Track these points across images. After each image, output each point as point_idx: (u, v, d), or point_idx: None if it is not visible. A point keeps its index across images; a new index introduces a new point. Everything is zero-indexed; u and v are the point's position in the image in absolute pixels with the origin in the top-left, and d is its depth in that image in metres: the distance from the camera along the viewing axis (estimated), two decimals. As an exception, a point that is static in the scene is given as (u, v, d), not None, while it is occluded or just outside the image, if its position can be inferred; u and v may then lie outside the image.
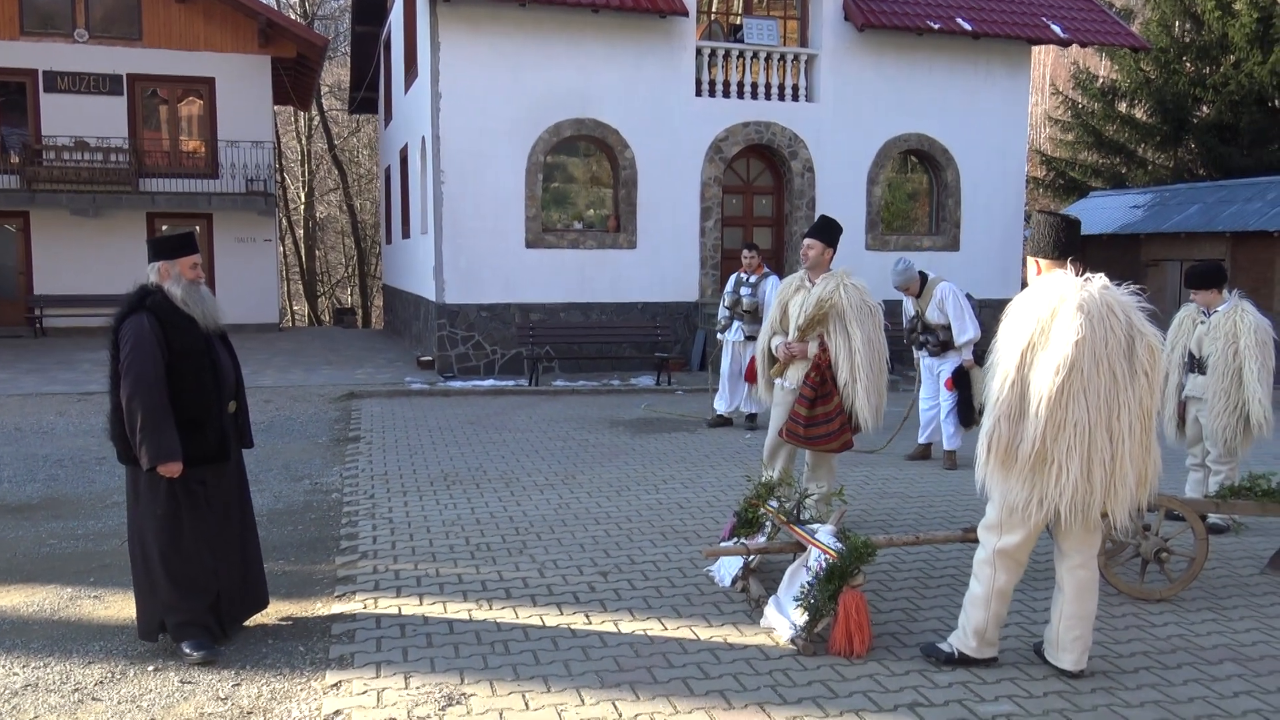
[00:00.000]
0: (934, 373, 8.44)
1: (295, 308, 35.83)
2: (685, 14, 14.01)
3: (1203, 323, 6.50)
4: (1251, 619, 4.79)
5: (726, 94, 14.89)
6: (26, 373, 13.73)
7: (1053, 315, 3.85)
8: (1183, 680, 4.08)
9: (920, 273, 8.49)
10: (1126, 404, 3.84)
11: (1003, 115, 16.06)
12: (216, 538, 4.44)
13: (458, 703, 3.79)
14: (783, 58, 15.11)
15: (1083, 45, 16.52)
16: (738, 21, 15.25)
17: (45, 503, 7.02)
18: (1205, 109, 23.07)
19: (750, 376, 9.61)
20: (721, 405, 10.25)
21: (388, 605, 4.86)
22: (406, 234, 18.38)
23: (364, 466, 8.06)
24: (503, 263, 14.06)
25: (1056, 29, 15.73)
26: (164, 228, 20.78)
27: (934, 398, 8.46)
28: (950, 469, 8.21)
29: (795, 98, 15.24)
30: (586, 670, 4.09)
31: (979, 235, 16.15)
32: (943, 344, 8.25)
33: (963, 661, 4.13)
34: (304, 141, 33.77)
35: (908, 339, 8.61)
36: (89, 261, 19.88)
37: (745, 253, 10.05)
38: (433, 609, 4.81)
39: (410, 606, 4.85)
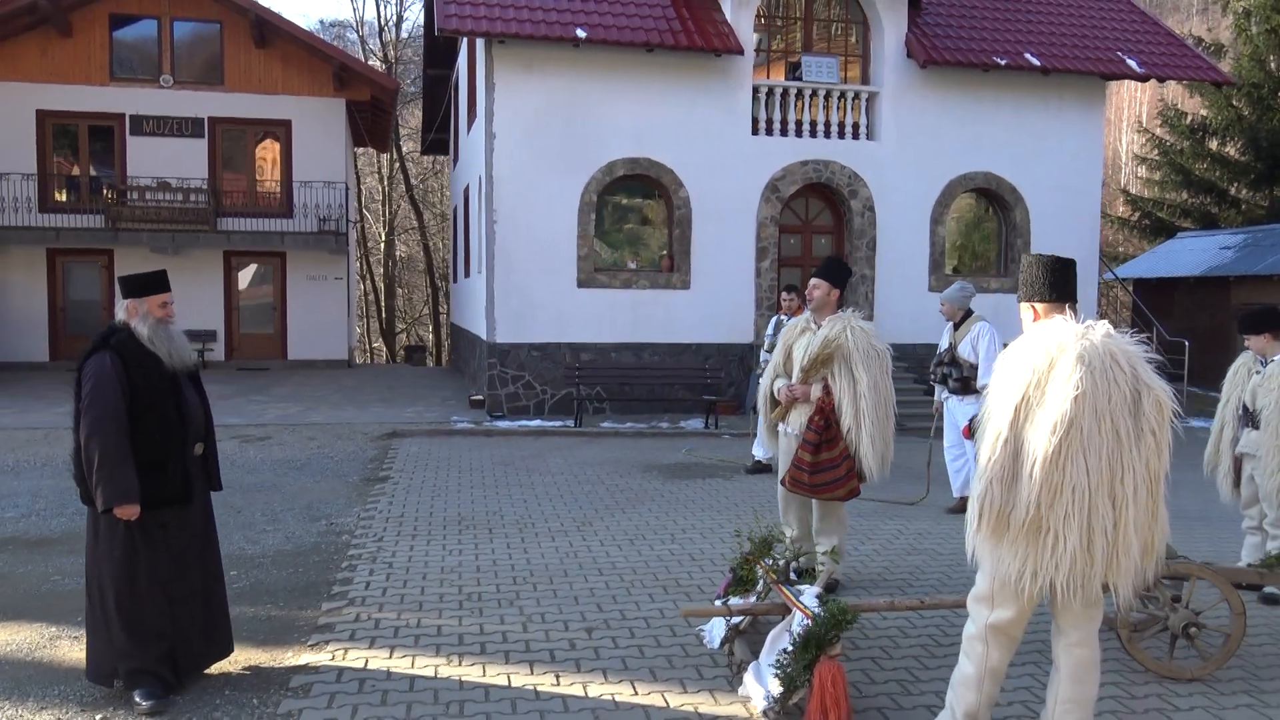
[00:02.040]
0: (954, 419, 8.02)
1: (375, 345, 36.47)
2: (741, 53, 13.86)
3: (1258, 372, 5.99)
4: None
5: (784, 132, 14.65)
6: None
7: (1050, 367, 3.49)
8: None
9: (968, 309, 8.13)
10: (1131, 466, 3.45)
11: (1075, 153, 15.47)
12: (175, 582, 4.32)
13: (388, 770, 3.57)
14: (842, 95, 14.82)
15: (1161, 80, 15.86)
16: (796, 60, 15.03)
17: (64, 538, 7.06)
18: (1304, 146, 21.99)
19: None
20: (760, 451, 9.91)
21: (356, 657, 4.68)
22: (468, 273, 18.51)
23: (383, 508, 7.96)
24: (554, 302, 13.99)
25: (1133, 64, 15.13)
26: (242, 267, 21.40)
27: (958, 444, 8.02)
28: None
29: (855, 136, 14.92)
30: (537, 738, 3.84)
31: (1050, 277, 15.49)
32: (964, 381, 7.86)
33: (951, 747, 3.76)
34: (386, 183, 34.53)
35: (933, 371, 8.21)
36: (167, 298, 20.46)
37: (785, 295, 9.77)
38: (400, 663, 4.61)
39: (379, 660, 4.65)
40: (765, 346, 9.82)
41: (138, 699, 4.13)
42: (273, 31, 20.39)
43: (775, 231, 14.70)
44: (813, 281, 5.87)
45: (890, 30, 14.72)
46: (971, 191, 15.53)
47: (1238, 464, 6.09)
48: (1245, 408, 6.02)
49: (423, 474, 9.44)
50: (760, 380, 6.04)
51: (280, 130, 21.30)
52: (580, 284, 14.09)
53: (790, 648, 4.04)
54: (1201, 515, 8.29)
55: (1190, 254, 21.01)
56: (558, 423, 13.16)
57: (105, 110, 20.28)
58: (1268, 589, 5.72)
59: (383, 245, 34.98)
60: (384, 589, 5.77)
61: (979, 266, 15.90)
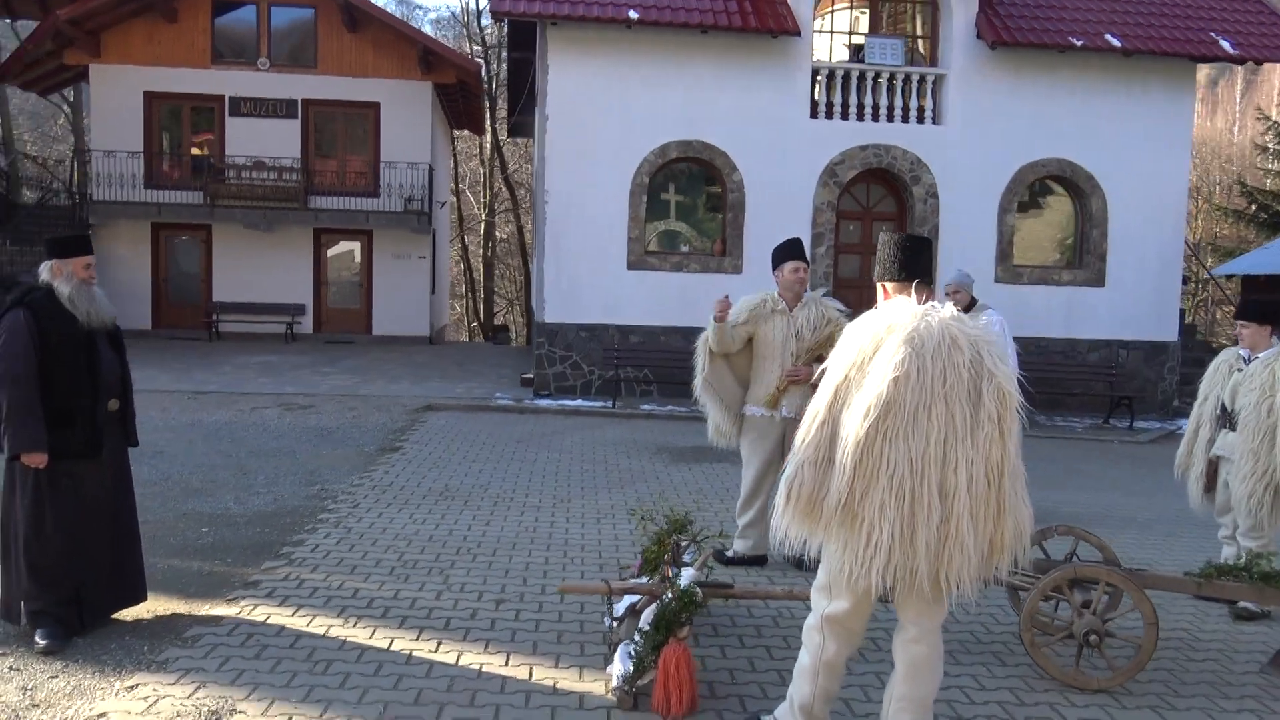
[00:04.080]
0: (966, 414, 7.66)
1: (473, 325, 37.25)
2: (797, 34, 13.58)
3: (1240, 369, 5.58)
4: (1194, 724, 4.00)
5: (845, 116, 14.30)
6: (165, 370, 14.83)
7: (875, 348, 3.34)
8: (1037, 787, 3.44)
9: (973, 297, 7.78)
10: (966, 456, 3.27)
11: (1160, 139, 14.62)
12: (82, 530, 4.52)
13: (215, 718, 3.67)
14: (907, 78, 14.37)
15: (1258, 63, 14.84)
16: (860, 41, 14.64)
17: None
18: None
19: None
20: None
21: (261, 614, 4.82)
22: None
23: (378, 477, 8.15)
24: (604, 284, 14.02)
25: (1226, 44, 14.20)
26: (331, 244, 22.15)
27: (967, 442, 7.68)
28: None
29: (920, 120, 14.45)
30: (380, 699, 3.89)
31: (1128, 271, 14.74)
32: None
33: (787, 738, 3.64)
34: (486, 165, 35.16)
35: None
36: (260, 272, 21.36)
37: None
38: (298, 621, 4.73)
39: (280, 617, 4.79)
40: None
41: (37, 638, 4.36)
42: (363, 16, 20.95)
43: (832, 217, 14.38)
44: (794, 264, 5.88)
45: (960, 10, 14.17)
46: (1044, 179, 14.85)
47: (1212, 468, 5.71)
48: (1224, 407, 5.62)
49: (435, 447, 9.63)
50: (699, 361, 5.96)
51: (370, 112, 21.91)
52: (630, 266, 14.09)
53: (646, 629, 3.99)
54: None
55: (1301, 251, 19.64)
56: (599, 403, 13.22)
57: (206, 92, 21.23)
58: (1241, 604, 5.34)
59: (482, 227, 35.64)
60: (329, 552, 5.92)
61: (1052, 258, 15.21)
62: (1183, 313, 16.10)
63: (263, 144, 21.20)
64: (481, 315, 35.01)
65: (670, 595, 3.95)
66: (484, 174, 35.59)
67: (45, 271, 4.67)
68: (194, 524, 6.53)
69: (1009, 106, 14.36)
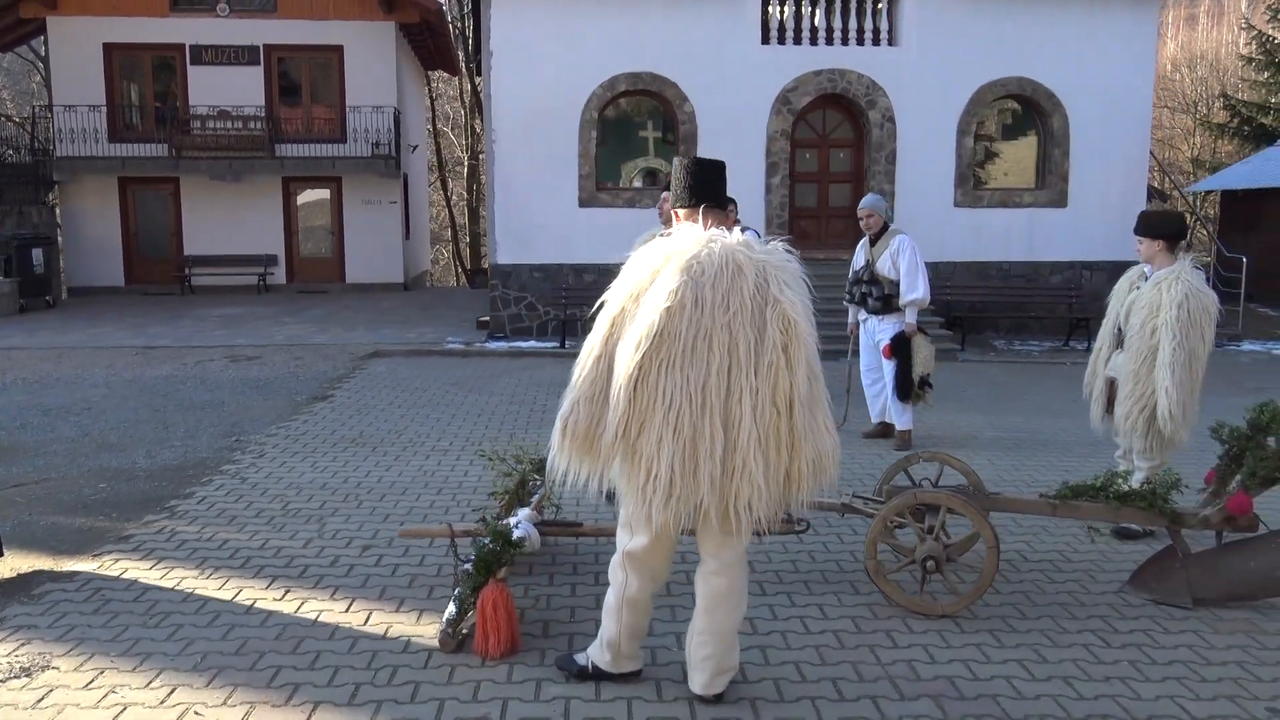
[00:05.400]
0: (874, 339, 7.56)
1: (460, 270, 37.09)
2: (743, -44, 13.20)
3: (1139, 288, 5.44)
4: (1027, 649, 3.94)
5: (797, 41, 13.99)
6: (122, 326, 14.80)
7: (653, 277, 3.23)
8: (834, 716, 3.39)
9: (885, 221, 7.64)
10: (750, 385, 3.18)
11: (1122, 54, 14.25)
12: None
13: (25, 674, 3.66)
14: (860, -1, 14.00)
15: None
16: (811, -38, 14.24)
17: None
18: None
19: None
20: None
21: (119, 568, 4.81)
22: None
23: (296, 427, 8.12)
24: (556, 223, 13.86)
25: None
26: (300, 192, 21.97)
27: (876, 368, 7.59)
28: (902, 449, 7.35)
29: (876, 42, 14.11)
30: (203, 650, 3.87)
31: (1092, 190, 14.47)
32: (885, 300, 7.39)
33: (596, 676, 3.61)
34: (467, 108, 34.67)
35: (849, 291, 7.74)
36: (230, 224, 21.23)
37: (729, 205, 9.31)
38: (152, 574, 4.71)
39: (138, 570, 4.77)
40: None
41: (-117, 600, 4.36)
42: (321, -44, 20.53)
43: (786, 146, 14.13)
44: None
45: (912, -74, 13.75)
46: (1004, 98, 14.51)
47: (1111, 387, 5.58)
48: (1120, 327, 5.49)
49: (367, 394, 9.59)
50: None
51: (333, 56, 21.54)
52: (582, 204, 13.91)
53: (467, 570, 3.95)
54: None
55: (1283, 164, 19.23)
56: (550, 344, 13.14)
57: (166, 41, 20.90)
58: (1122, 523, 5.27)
59: (465, 170, 35.26)
60: (214, 504, 5.90)
61: (1013, 180, 14.93)
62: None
63: (226, 93, 20.91)
64: (466, 259, 34.82)
65: (485, 539, 3.90)
66: (464, 115, 35.12)
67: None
68: (94, 480, 6.52)
69: (967, 25, 13.99)
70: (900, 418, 7.46)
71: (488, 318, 14.36)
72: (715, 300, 3.17)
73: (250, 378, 10.57)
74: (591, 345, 3.28)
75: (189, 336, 13.69)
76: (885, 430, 7.75)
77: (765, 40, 13.89)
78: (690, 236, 3.28)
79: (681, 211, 3.48)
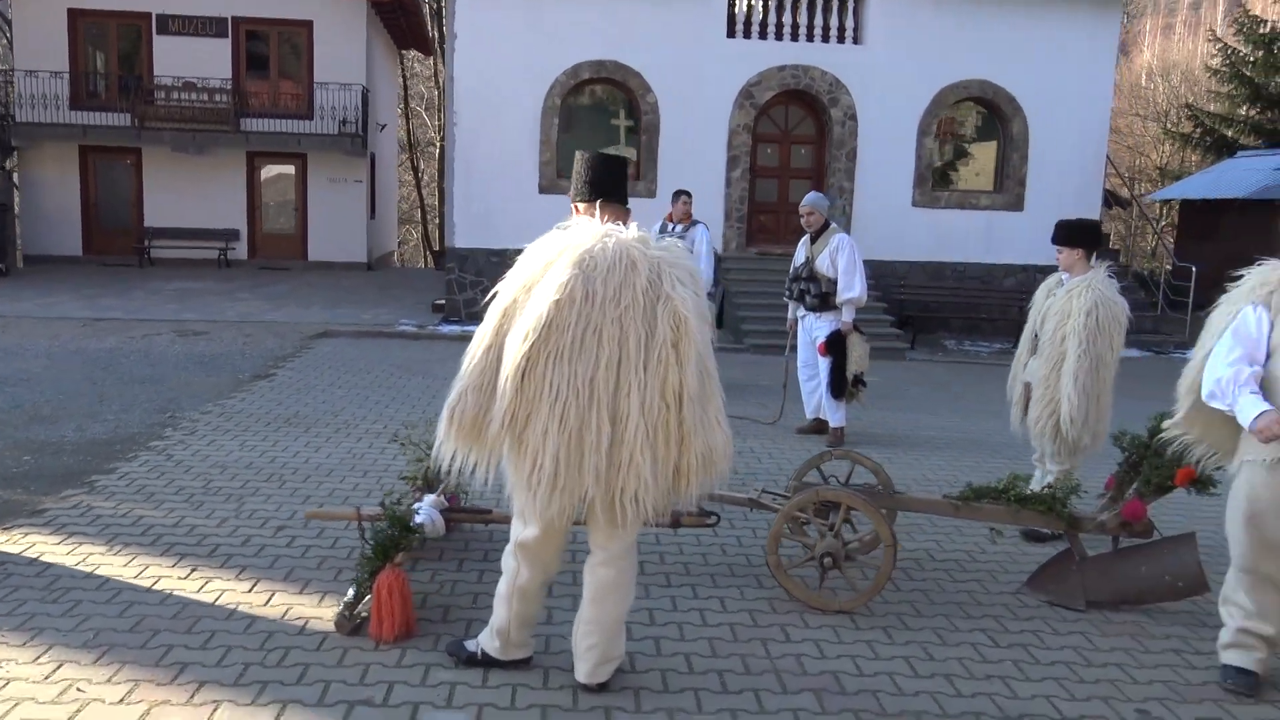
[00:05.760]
0: (811, 336, 7.63)
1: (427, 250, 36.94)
2: (709, -51, 13.21)
3: (1054, 295, 5.54)
4: (917, 646, 4.02)
5: (763, 35, 14.02)
6: (75, 296, 14.65)
7: (545, 269, 3.27)
8: (715, 708, 3.45)
9: (828, 219, 7.70)
10: (639, 380, 3.22)
11: (1084, 61, 14.41)
12: None
13: (-90, 647, 3.66)
14: (826, -4, 14.05)
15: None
16: (779, -43, 14.27)
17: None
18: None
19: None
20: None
21: (26, 543, 4.78)
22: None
23: (234, 404, 8.09)
24: (515, 208, 13.83)
25: (1150, -38, 13.85)
26: (264, 167, 21.79)
27: (812, 365, 7.66)
28: (835, 445, 7.42)
29: (841, 39, 14.17)
30: (97, 627, 3.87)
31: (1048, 195, 14.62)
32: (823, 297, 7.45)
33: (486, 663, 3.64)
34: (440, 89, 34.45)
35: (788, 287, 7.81)
36: (192, 197, 21.01)
37: (684, 198, 9.35)
38: (57, 549, 4.69)
39: (44, 546, 4.75)
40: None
41: None
42: (291, -71, 20.31)
43: (748, 140, 14.17)
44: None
45: (879, -76, 13.80)
46: (965, 101, 14.63)
47: (1027, 392, 5.67)
48: (1036, 333, 5.59)
49: (309, 373, 9.57)
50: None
51: (302, 31, 21.34)
52: (542, 190, 13.89)
53: (366, 554, 3.97)
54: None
55: (1243, 174, 19.44)
56: (506, 329, 13.14)
57: (132, 9, 20.63)
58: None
59: (437, 151, 35.08)
60: (134, 480, 5.88)
61: (973, 182, 15.07)
62: (1107, 237, 16.03)
63: (192, 64, 20.66)
64: (434, 240, 34.66)
65: (385, 524, 3.92)
66: (438, 96, 34.91)
67: None
68: (19, 452, 6.47)
69: (931, 26, 14.08)
70: (834, 415, 7.54)
71: (444, 300, 14.32)
72: (606, 294, 3.20)
73: (195, 353, 10.51)
74: (482, 335, 3.31)
75: (140, 309, 13.57)
76: (820, 426, 7.83)
77: (731, 34, 13.92)
78: (585, 231, 3.31)
79: (580, 206, 3.51)
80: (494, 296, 3.34)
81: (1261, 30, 21.43)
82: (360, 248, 22.12)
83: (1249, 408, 3.47)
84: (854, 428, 8.06)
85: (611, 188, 3.49)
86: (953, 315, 14.52)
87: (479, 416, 3.26)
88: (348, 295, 16.19)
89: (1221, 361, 3.60)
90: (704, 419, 3.31)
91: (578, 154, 3.57)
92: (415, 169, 33.98)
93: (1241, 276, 3.78)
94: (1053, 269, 5.77)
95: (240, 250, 21.36)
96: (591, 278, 3.19)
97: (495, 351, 3.26)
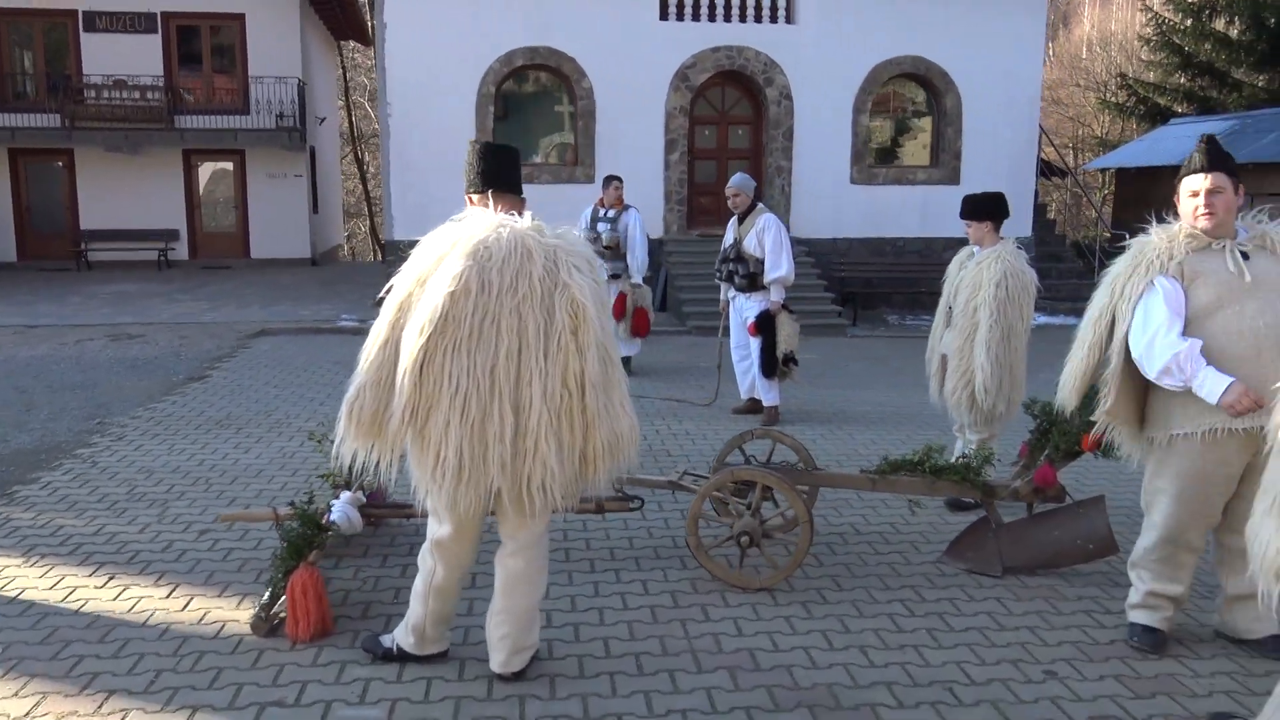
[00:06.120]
0: (741, 317, 7.68)
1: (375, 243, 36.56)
2: (638, -69, 13.17)
3: (966, 267, 5.62)
4: (834, 620, 4.08)
5: (695, 17, 14.01)
6: (7, 302, 14.35)
7: (439, 261, 3.26)
8: (629, 690, 3.48)
9: (754, 200, 7.74)
10: (540, 368, 3.22)
11: (1013, 35, 14.57)
12: None
13: None
14: (757, -25, 14.06)
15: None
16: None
17: None
18: (1311, 22, 20.40)
19: (618, 315, 9.12)
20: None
21: (-59, 556, 4.71)
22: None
23: (164, 408, 7.98)
24: (451, 198, 13.53)
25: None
26: (202, 165, 21.44)
27: (745, 345, 7.72)
28: (770, 425, 7.48)
29: (774, 19, 14.20)
30: (6, 640, 3.81)
31: (983, 168, 14.78)
32: (751, 278, 7.50)
33: (402, 658, 3.64)
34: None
35: (718, 268, 7.85)
36: (129, 197, 20.63)
37: (615, 183, 9.37)
38: (-28, 562, 4.62)
39: (-40, 558, 4.68)
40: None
41: None
42: (218, -80, 19.94)
43: (685, 122, 14.18)
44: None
45: (807, -97, 13.83)
46: (900, 77, 14.74)
47: (944, 363, 5.75)
48: (950, 306, 5.66)
49: (245, 374, 9.46)
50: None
51: (234, 24, 20.99)
52: (480, 179, 13.76)
53: (279, 554, 3.95)
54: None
55: (1175, 142, 19.77)
56: (448, 321, 13.06)
57: (58, 7, 20.15)
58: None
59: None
60: (57, 489, 5.79)
61: (905, 157, 15.20)
62: (1045, 207, 16.27)
63: (122, 61, 20.24)
64: (381, 233, 34.32)
65: (294, 523, 3.90)
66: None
67: None
68: (-61, 466, 6.35)
69: (862, 3, 14.18)
70: (767, 394, 7.60)
71: (382, 295, 14.17)
72: (503, 284, 3.20)
73: (129, 357, 10.35)
74: (378, 330, 3.29)
75: (74, 314, 13.32)
76: (754, 406, 7.89)
77: (664, 16, 13.90)
78: (479, 221, 3.31)
79: (474, 197, 3.50)
80: (389, 291, 3.33)
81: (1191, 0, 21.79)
82: (304, 243, 21.87)
83: (1214, 382, 3.40)
84: (790, 405, 8.13)
85: (504, 177, 3.48)
86: (894, 290, 14.66)
87: (378, 412, 3.25)
88: (289, 292, 16.01)
89: (1164, 339, 3.48)
90: (608, 405, 3.33)
91: (468, 144, 3.56)
92: (359, 161, 33.59)
93: (1125, 247, 3.79)
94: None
95: (181, 250, 21.03)
96: (487, 268, 3.19)
97: (392, 346, 3.25)
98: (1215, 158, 3.63)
